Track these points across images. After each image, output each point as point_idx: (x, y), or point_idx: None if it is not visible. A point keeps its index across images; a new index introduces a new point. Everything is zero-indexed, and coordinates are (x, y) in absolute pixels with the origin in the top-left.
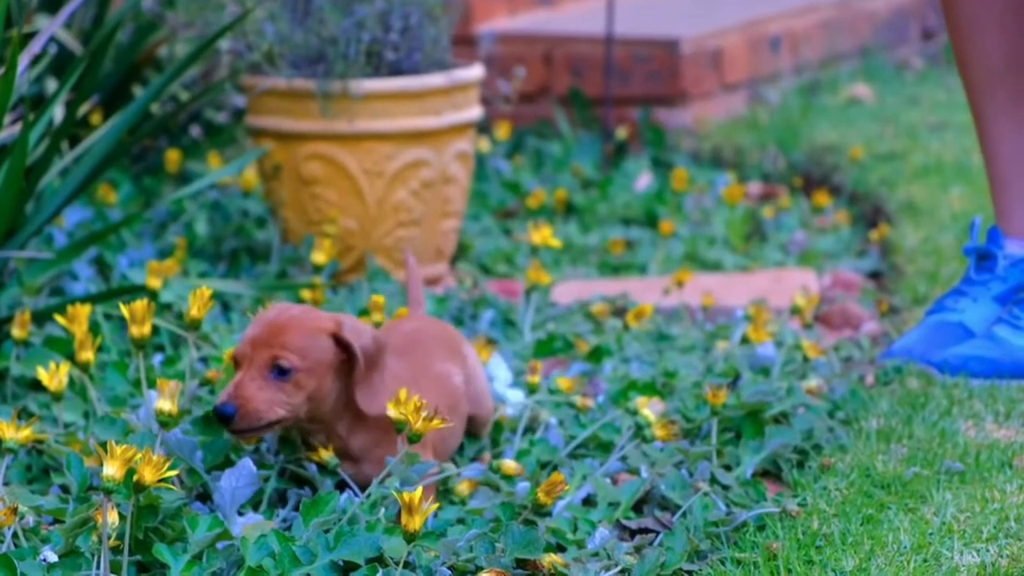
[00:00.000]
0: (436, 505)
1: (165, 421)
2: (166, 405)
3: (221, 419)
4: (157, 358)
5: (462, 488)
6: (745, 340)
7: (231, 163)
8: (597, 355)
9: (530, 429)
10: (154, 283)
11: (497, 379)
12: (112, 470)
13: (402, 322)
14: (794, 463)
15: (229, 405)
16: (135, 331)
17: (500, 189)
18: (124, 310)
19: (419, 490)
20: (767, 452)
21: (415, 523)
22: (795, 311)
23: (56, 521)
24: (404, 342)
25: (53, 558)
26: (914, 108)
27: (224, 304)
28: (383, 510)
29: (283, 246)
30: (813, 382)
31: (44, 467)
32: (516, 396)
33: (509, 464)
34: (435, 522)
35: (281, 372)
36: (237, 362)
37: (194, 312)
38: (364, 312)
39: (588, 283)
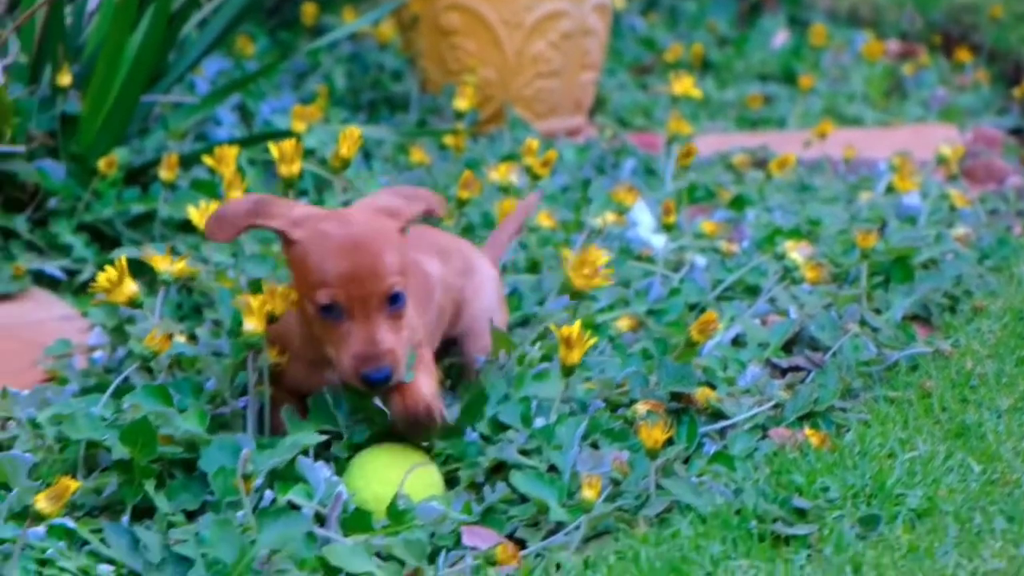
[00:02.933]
0: (595, 339)
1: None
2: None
3: (377, 385)
4: (302, 202)
5: (621, 325)
6: (890, 190)
7: (367, 15)
8: (739, 203)
9: (675, 271)
10: (299, 126)
11: (641, 224)
12: (252, 326)
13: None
14: (944, 307)
15: (385, 369)
16: (284, 170)
17: (635, 45)
18: (273, 149)
19: (577, 324)
20: (917, 296)
21: (574, 356)
22: (941, 161)
23: (214, 354)
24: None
25: (213, 386)
26: None
27: (365, 152)
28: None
29: (422, 96)
30: (961, 230)
31: (194, 305)
32: (659, 241)
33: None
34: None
35: (395, 300)
36: (337, 308)
37: (343, 151)
38: (507, 158)
39: (727, 136)
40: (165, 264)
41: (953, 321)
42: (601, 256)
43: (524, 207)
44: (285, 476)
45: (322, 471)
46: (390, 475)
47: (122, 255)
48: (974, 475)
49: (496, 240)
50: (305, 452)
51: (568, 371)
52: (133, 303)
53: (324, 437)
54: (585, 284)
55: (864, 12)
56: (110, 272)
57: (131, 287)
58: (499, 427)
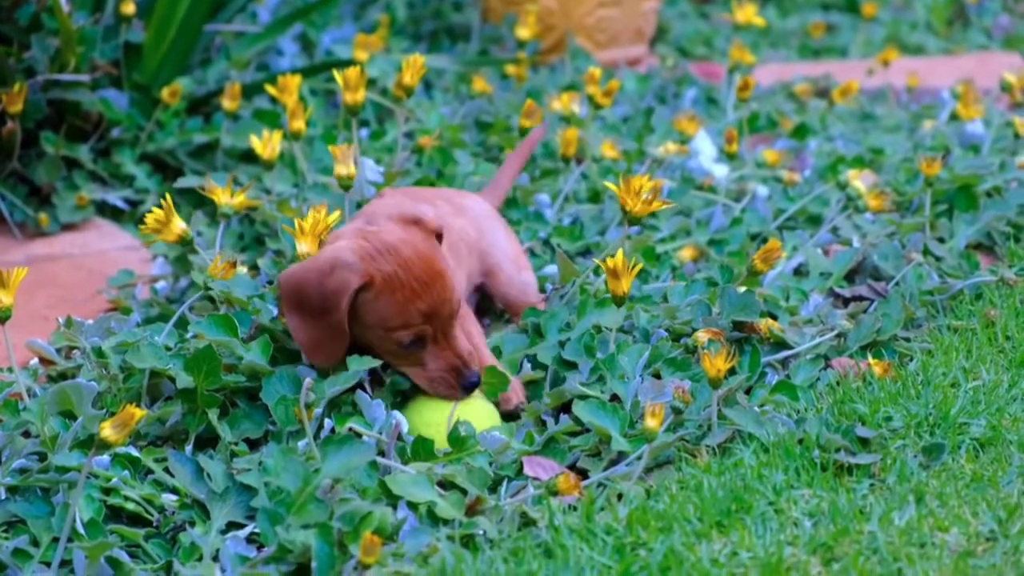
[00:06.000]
0: (640, 266)
1: (346, 185)
2: (343, 169)
3: (472, 388)
4: (363, 132)
5: (683, 255)
6: (953, 118)
7: None
8: (801, 132)
9: (736, 200)
10: (361, 55)
11: (703, 153)
12: (305, 247)
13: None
14: (1008, 235)
15: (476, 372)
16: (348, 97)
17: None
18: (338, 77)
19: (620, 252)
20: (981, 225)
21: (622, 286)
22: (1005, 88)
23: (270, 283)
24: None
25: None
26: None
27: (426, 82)
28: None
29: (483, 25)
30: None
31: (255, 236)
32: (721, 170)
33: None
34: (652, 289)
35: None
36: (421, 341)
37: (407, 79)
38: (569, 88)
39: (789, 65)
40: (225, 197)
41: (1017, 249)
42: (647, 182)
43: (528, 143)
44: (343, 406)
45: (379, 406)
46: (440, 404)
47: (183, 185)
48: None
49: (499, 181)
50: (362, 387)
51: (619, 301)
52: (184, 241)
53: (379, 362)
54: (642, 210)
55: None
56: (158, 212)
57: (180, 225)
58: (563, 362)
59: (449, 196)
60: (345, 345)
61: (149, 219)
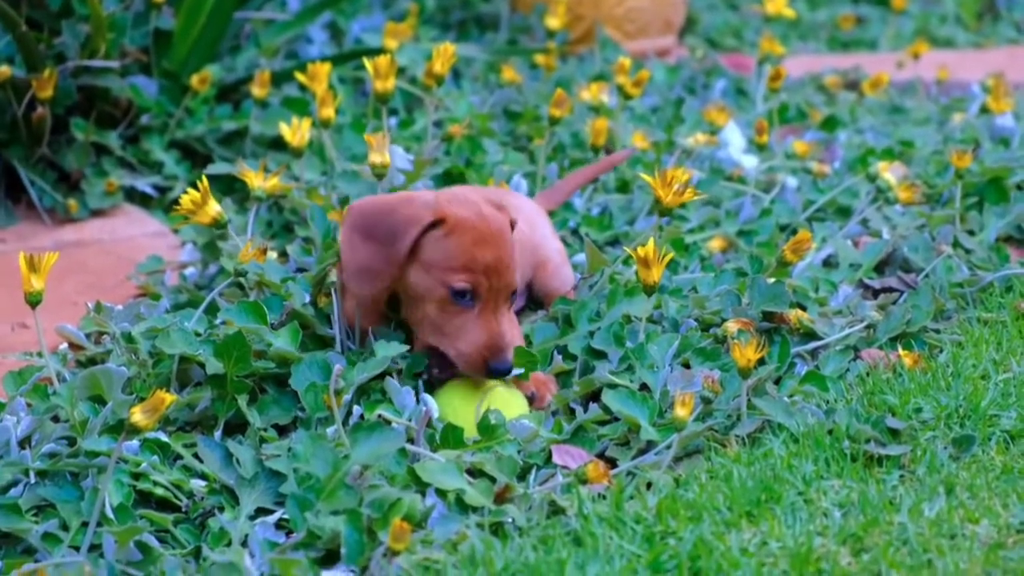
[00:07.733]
0: (671, 255)
1: (380, 173)
2: (378, 158)
3: (499, 375)
4: (392, 120)
5: (712, 245)
6: (983, 111)
7: None
8: (831, 124)
9: (766, 191)
10: (390, 44)
11: (732, 144)
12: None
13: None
14: None
15: (509, 361)
16: (379, 85)
17: None
18: (368, 65)
19: (651, 242)
20: (1011, 217)
21: (653, 275)
22: None
23: (300, 270)
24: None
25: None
26: None
27: (455, 71)
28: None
29: (512, 15)
30: None
31: (284, 223)
32: (750, 161)
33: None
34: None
35: (514, 295)
36: (469, 295)
37: (437, 67)
38: (597, 78)
39: (818, 57)
40: (258, 180)
41: None
42: (682, 174)
43: (609, 161)
44: (373, 393)
45: (409, 393)
46: (469, 393)
47: (213, 171)
48: None
49: (561, 186)
50: (391, 375)
51: (650, 290)
52: (218, 224)
53: (406, 347)
54: (674, 201)
55: None
56: (193, 194)
57: (215, 208)
58: (593, 352)
59: (499, 196)
60: (389, 280)
61: (184, 200)
